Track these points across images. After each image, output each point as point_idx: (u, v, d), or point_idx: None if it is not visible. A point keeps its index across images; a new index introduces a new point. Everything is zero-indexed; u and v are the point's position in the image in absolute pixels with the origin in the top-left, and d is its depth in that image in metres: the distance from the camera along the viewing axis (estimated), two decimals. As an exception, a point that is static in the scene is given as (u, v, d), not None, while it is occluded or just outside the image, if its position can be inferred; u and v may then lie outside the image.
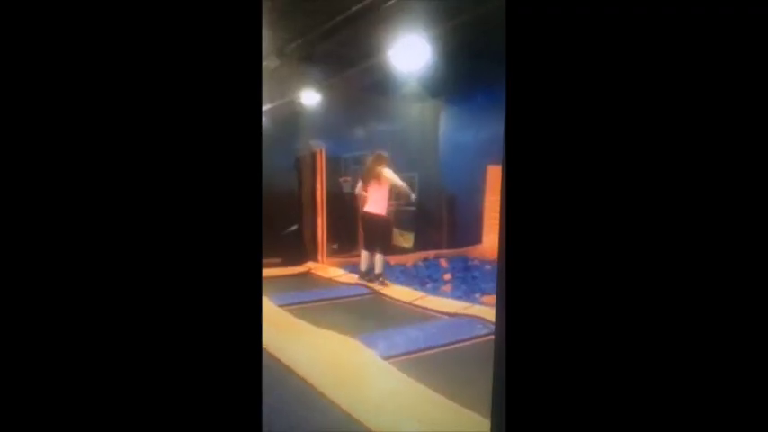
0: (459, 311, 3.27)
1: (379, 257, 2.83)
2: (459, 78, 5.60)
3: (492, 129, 5.65)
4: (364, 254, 2.87)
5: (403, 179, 3.56)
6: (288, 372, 2.14)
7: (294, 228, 5.96)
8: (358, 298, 3.89)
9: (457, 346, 2.65)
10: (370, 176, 2.93)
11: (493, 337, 3.02)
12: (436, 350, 2.58)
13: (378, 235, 2.90)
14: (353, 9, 4.24)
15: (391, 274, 4.54)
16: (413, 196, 3.11)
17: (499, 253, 0.89)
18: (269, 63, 4.57)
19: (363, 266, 2.85)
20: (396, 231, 3.36)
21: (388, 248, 2.94)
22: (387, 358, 2.33)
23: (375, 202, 2.88)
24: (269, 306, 3.32)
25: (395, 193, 2.94)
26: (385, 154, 3.02)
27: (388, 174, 2.92)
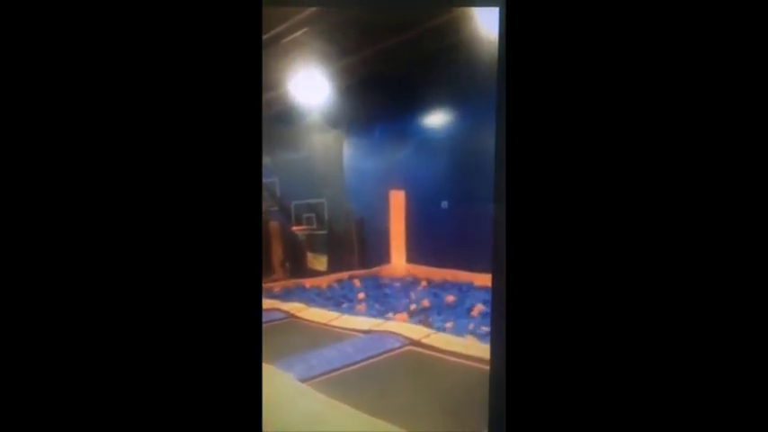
0: (373, 328, 3.47)
1: None
2: (357, 112, 6.01)
3: (391, 157, 6.18)
4: None
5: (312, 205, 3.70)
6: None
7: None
8: (275, 323, 3.92)
9: (373, 361, 2.81)
10: None
11: (407, 349, 3.21)
12: (353, 367, 2.72)
13: None
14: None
15: (307, 296, 4.62)
16: None
17: (493, 281, 0.90)
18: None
19: None
20: (309, 255, 3.49)
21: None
22: (305, 380, 2.41)
23: None
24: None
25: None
26: None
27: None
